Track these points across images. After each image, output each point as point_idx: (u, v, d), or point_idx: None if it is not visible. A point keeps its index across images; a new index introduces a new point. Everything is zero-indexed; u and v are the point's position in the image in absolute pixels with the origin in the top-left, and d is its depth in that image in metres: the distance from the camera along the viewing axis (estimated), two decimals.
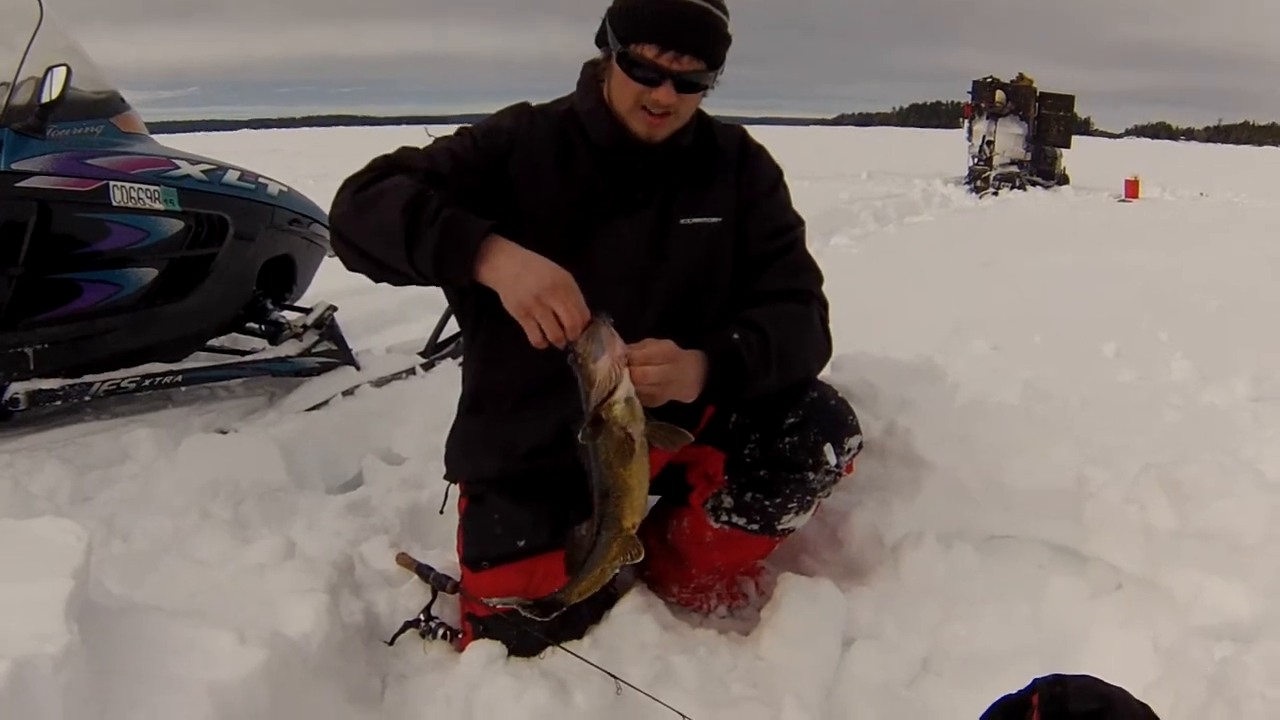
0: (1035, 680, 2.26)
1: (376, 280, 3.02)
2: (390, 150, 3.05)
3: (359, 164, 2.97)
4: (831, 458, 3.15)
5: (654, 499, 3.60)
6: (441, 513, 3.82)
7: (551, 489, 3.17)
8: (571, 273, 2.71)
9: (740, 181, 3.30)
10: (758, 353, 2.98)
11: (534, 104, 3.29)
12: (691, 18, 2.88)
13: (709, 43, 2.93)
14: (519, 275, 2.64)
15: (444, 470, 3.54)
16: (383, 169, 2.94)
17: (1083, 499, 3.66)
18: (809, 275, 3.31)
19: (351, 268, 2.99)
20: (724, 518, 3.27)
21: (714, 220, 3.21)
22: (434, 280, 2.82)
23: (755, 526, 3.25)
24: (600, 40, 3.06)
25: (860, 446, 3.31)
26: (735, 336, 2.97)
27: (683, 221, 3.18)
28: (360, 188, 2.88)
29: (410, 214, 2.70)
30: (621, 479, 2.66)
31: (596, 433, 2.62)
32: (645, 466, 2.68)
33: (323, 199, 6.98)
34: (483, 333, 3.28)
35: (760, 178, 3.35)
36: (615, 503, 2.69)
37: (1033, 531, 3.78)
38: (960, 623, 3.44)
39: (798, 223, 3.37)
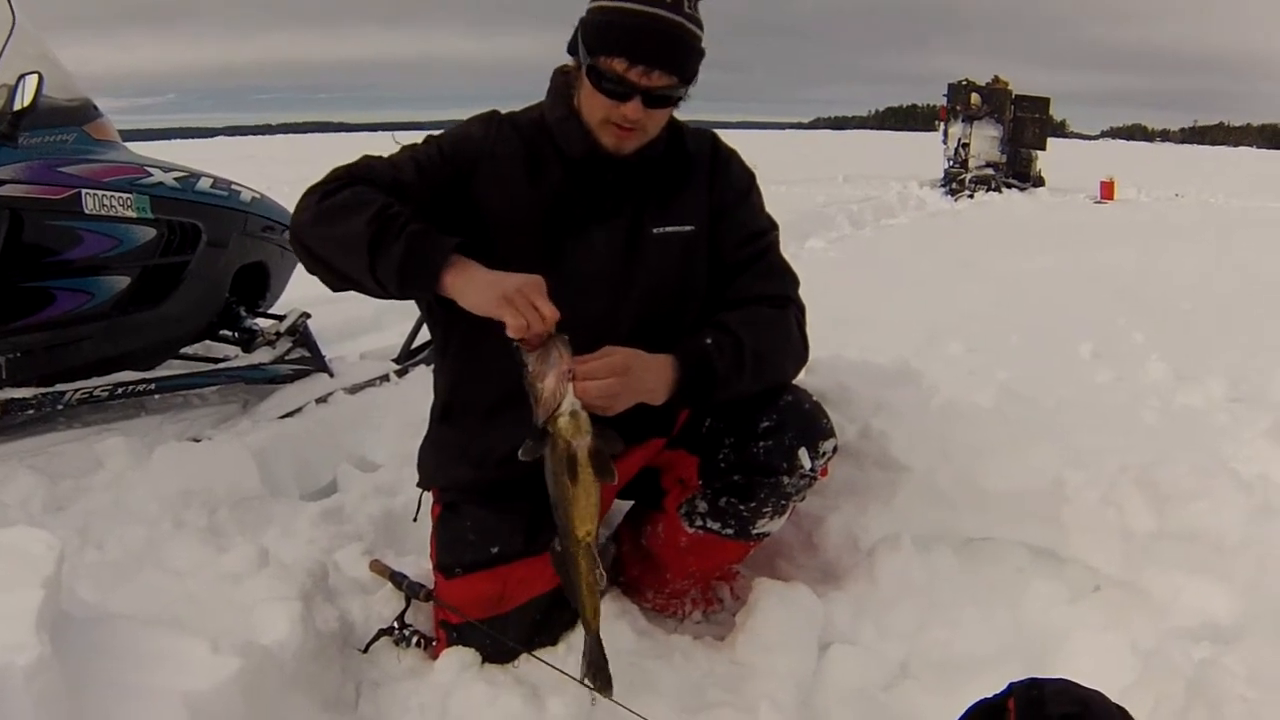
0: (1012, 684, 2.26)
1: (335, 290, 3.00)
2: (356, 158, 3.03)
3: None
4: (806, 461, 3.14)
5: (628, 504, 3.61)
6: (415, 520, 3.82)
7: (524, 495, 3.14)
8: (551, 285, 2.69)
9: (712, 188, 3.27)
10: (730, 357, 2.97)
11: (503, 111, 3.26)
12: (662, 31, 2.83)
13: (680, 57, 2.89)
14: (491, 281, 2.64)
15: (418, 477, 3.53)
16: (345, 179, 2.91)
17: (1060, 501, 3.66)
18: (785, 279, 3.30)
19: (311, 272, 2.98)
20: (699, 522, 3.27)
21: (686, 229, 3.18)
22: (396, 294, 2.81)
23: (730, 531, 3.25)
24: (572, 49, 3.01)
25: (835, 450, 3.30)
26: (708, 341, 2.96)
27: (655, 231, 3.15)
28: (323, 196, 2.86)
29: (375, 227, 2.68)
30: (568, 490, 2.69)
31: (540, 447, 2.69)
32: (591, 477, 2.69)
33: None
34: (454, 342, 3.27)
35: (732, 184, 3.33)
36: (564, 513, 2.72)
37: (1010, 534, 3.78)
38: (937, 626, 3.43)
39: (771, 227, 3.35)
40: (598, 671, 2.82)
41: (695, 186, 3.25)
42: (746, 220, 3.31)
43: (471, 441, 3.26)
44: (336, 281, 2.93)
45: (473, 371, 3.22)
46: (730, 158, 3.37)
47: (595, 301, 3.06)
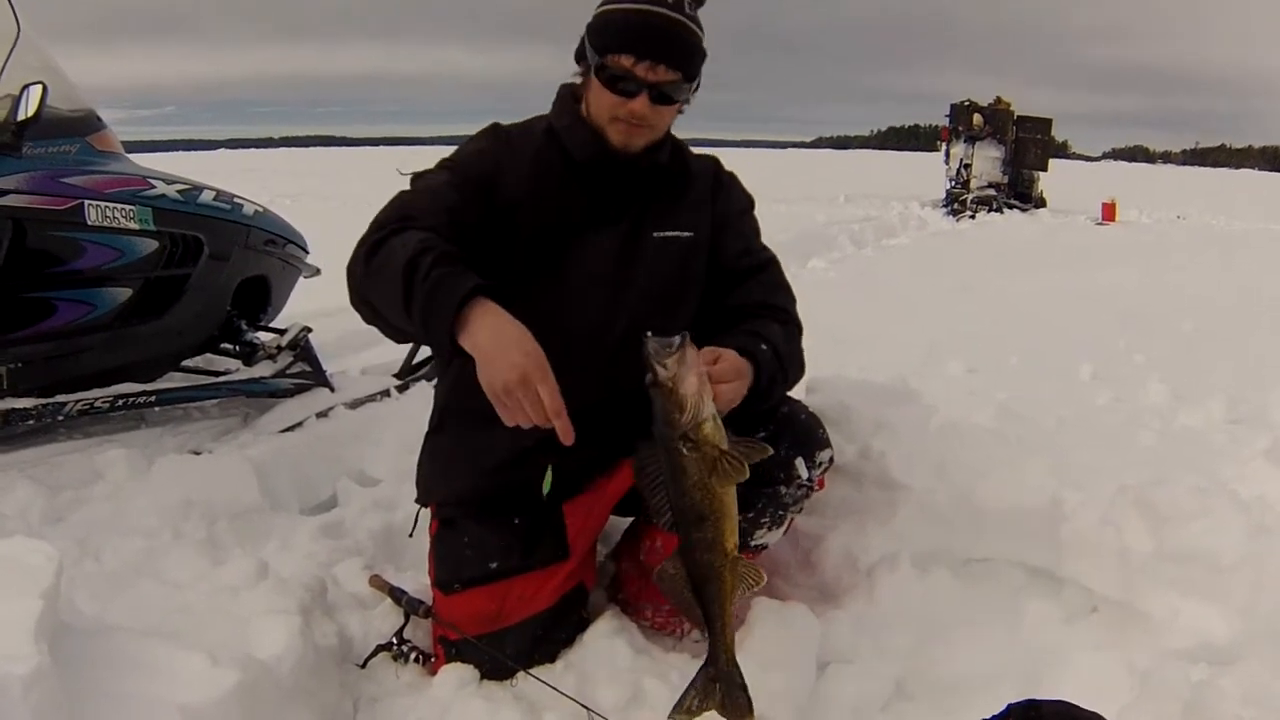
0: (1010, 705, 2.26)
1: (399, 342, 3.05)
2: (389, 195, 3.03)
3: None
4: (803, 471, 3.19)
5: (628, 520, 3.60)
6: (411, 535, 3.82)
7: (520, 509, 3.20)
8: (548, 282, 2.82)
9: (715, 203, 3.36)
10: (774, 368, 2.98)
11: (504, 124, 3.31)
12: (665, 28, 2.94)
13: (683, 54, 2.99)
14: (491, 359, 2.56)
15: (416, 494, 3.53)
16: (390, 223, 2.87)
17: (1059, 521, 3.66)
18: (786, 295, 3.33)
19: (370, 323, 2.95)
20: None
21: (686, 235, 3.25)
22: (423, 337, 2.76)
23: None
24: (579, 56, 3.10)
25: (831, 460, 3.33)
26: (763, 347, 2.96)
27: (655, 234, 3.22)
28: (370, 250, 2.82)
29: (407, 274, 2.64)
30: (720, 500, 2.62)
31: (686, 455, 2.57)
32: (733, 486, 2.63)
33: (299, 219, 6.99)
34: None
35: (734, 201, 3.43)
36: (714, 525, 2.63)
37: (1008, 554, 3.77)
38: (935, 646, 3.43)
39: (769, 249, 3.42)
40: (738, 695, 2.75)
41: (698, 199, 3.33)
42: (746, 234, 3.40)
43: (467, 447, 3.28)
44: (397, 336, 2.94)
45: (465, 380, 3.19)
46: (733, 180, 3.47)
47: (594, 303, 3.12)
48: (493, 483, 3.24)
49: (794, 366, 3.17)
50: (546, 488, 3.18)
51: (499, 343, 2.56)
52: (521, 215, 3.06)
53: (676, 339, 2.55)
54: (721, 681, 2.74)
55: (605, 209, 3.18)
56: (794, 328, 3.26)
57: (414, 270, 2.63)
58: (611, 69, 2.97)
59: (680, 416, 2.54)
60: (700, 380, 2.55)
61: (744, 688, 2.74)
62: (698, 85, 3.13)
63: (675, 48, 2.97)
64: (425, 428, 3.48)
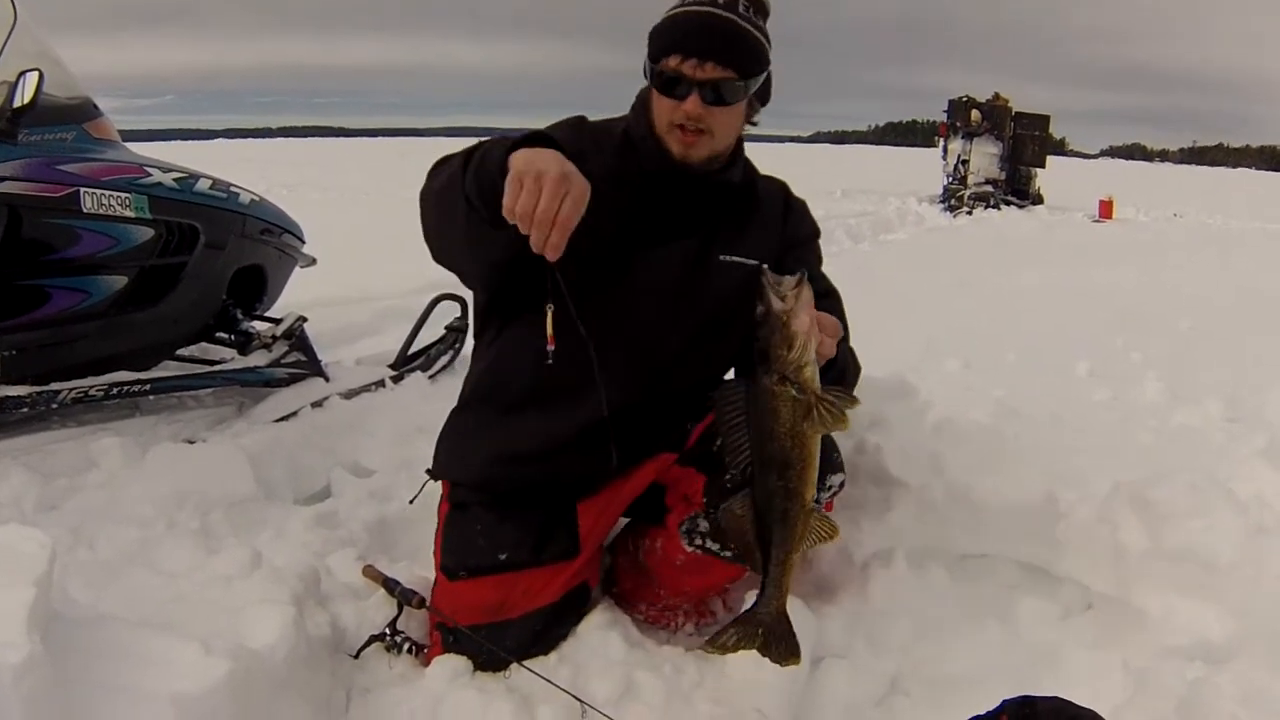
0: (1004, 701, 2.26)
1: (463, 265, 3.00)
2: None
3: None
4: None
5: (625, 519, 3.60)
6: (411, 503, 3.79)
7: (536, 503, 3.19)
8: (609, 287, 2.82)
9: (784, 231, 3.36)
10: (845, 363, 3.00)
11: (590, 119, 3.30)
12: (713, 26, 2.90)
13: (733, 49, 2.93)
14: (541, 154, 2.49)
15: (416, 478, 3.53)
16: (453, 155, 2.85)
17: (1054, 518, 3.66)
18: (847, 330, 3.29)
19: (440, 252, 2.93)
20: (698, 541, 3.23)
21: (751, 262, 3.16)
22: (486, 211, 2.61)
23: (729, 554, 3.20)
24: (645, 70, 3.06)
25: (842, 485, 3.32)
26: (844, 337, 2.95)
27: (721, 257, 3.19)
28: (435, 168, 2.85)
29: (464, 156, 2.65)
30: (809, 448, 2.58)
31: (782, 396, 2.52)
32: (818, 436, 2.60)
33: (297, 209, 6.98)
34: (491, 330, 3.29)
35: (802, 229, 3.43)
36: (799, 474, 2.60)
37: (1003, 551, 3.77)
38: (930, 642, 3.43)
39: (824, 278, 3.36)
40: (787, 639, 2.77)
41: (767, 226, 3.32)
42: (811, 261, 3.35)
43: (489, 434, 3.27)
44: (459, 242, 2.86)
45: (502, 364, 3.24)
46: (802, 208, 3.47)
47: (652, 316, 3.09)
48: (507, 474, 3.23)
49: (850, 378, 3.17)
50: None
51: (553, 155, 2.50)
52: (592, 213, 2.98)
53: (795, 275, 2.50)
54: (767, 628, 2.73)
55: (674, 224, 3.14)
56: (853, 354, 3.25)
57: (471, 150, 2.65)
58: (663, 72, 2.94)
59: (788, 353, 2.49)
60: (812, 321, 2.50)
61: (792, 634, 2.75)
62: (764, 95, 3.11)
63: (724, 44, 2.91)
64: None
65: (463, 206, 2.66)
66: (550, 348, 2.64)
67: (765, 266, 2.55)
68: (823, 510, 2.72)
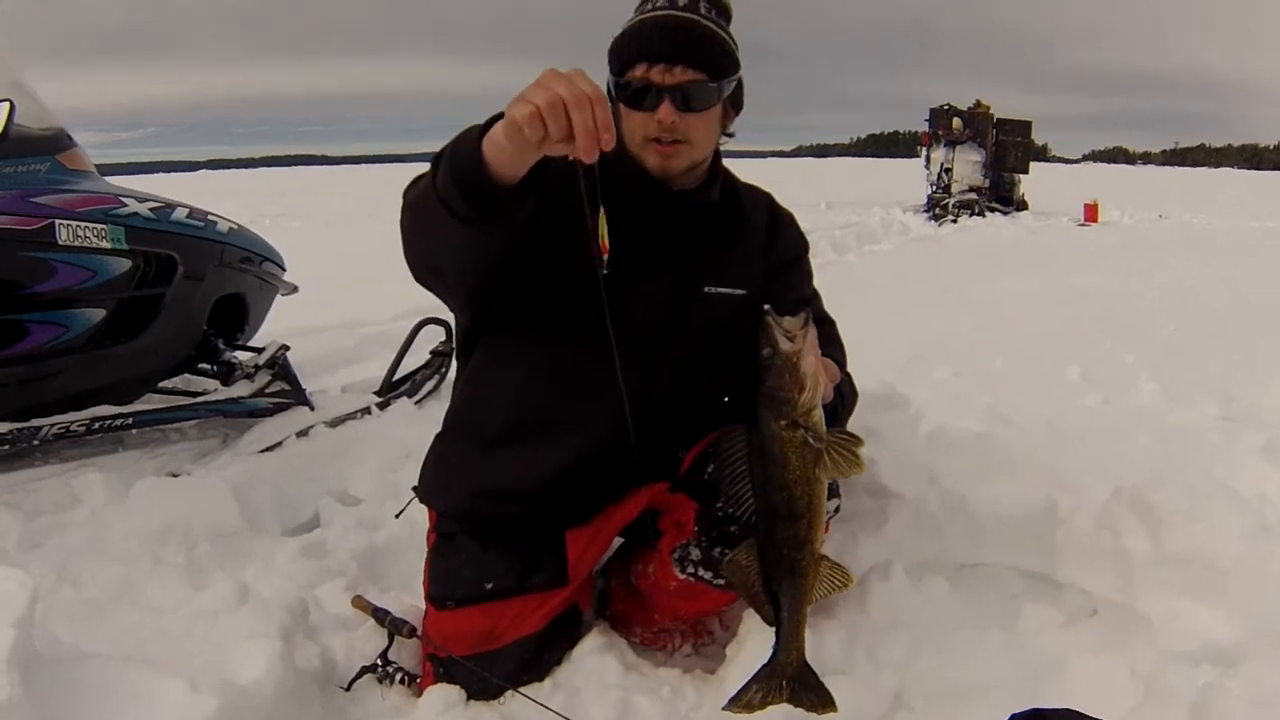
0: (1013, 715, 2.21)
1: (450, 280, 2.81)
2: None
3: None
4: None
5: (619, 541, 3.55)
6: (397, 517, 3.76)
7: (519, 535, 3.15)
8: (592, 326, 2.73)
9: (769, 254, 3.27)
10: (840, 397, 2.92)
11: None
12: (676, 28, 2.80)
13: (701, 49, 2.83)
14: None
15: (403, 504, 3.49)
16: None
17: (1054, 525, 3.64)
18: (840, 351, 3.27)
19: (422, 273, 2.77)
20: (690, 569, 3.21)
21: (739, 293, 3.12)
22: (468, 206, 2.45)
23: (721, 582, 3.17)
24: (608, 89, 2.91)
25: (837, 510, 3.27)
26: (843, 372, 2.92)
27: (707, 289, 3.11)
28: (409, 188, 2.66)
29: (433, 163, 2.48)
30: (819, 495, 2.50)
31: (791, 443, 2.43)
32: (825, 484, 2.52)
33: (279, 237, 6.95)
34: (475, 362, 3.21)
35: (790, 250, 3.35)
36: (809, 522, 2.52)
37: (1003, 559, 3.75)
38: (932, 655, 3.38)
39: (815, 295, 3.36)
40: (818, 691, 2.65)
41: (751, 248, 3.23)
42: (799, 282, 3.32)
43: (469, 468, 3.21)
44: (435, 255, 2.71)
45: (482, 398, 3.18)
46: (789, 223, 3.39)
47: (639, 350, 2.96)
48: (492, 508, 3.18)
49: (847, 410, 3.12)
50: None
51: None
52: (563, 240, 2.85)
53: (799, 315, 2.42)
54: (790, 679, 2.63)
55: (656, 256, 3.03)
56: (850, 380, 3.20)
57: (436, 157, 2.49)
58: (630, 84, 2.83)
59: (799, 396, 2.40)
60: (819, 362, 2.43)
61: (820, 683, 2.64)
62: (738, 102, 3.03)
63: (689, 46, 2.80)
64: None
65: (442, 212, 2.48)
66: (604, 255, 2.66)
67: (768, 307, 2.46)
68: (829, 559, 2.63)
